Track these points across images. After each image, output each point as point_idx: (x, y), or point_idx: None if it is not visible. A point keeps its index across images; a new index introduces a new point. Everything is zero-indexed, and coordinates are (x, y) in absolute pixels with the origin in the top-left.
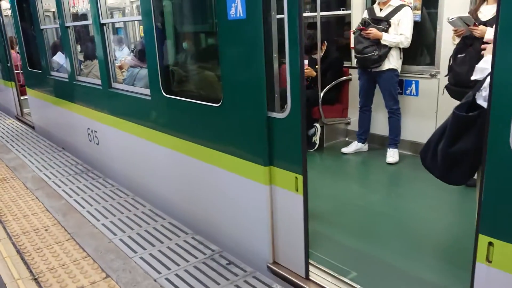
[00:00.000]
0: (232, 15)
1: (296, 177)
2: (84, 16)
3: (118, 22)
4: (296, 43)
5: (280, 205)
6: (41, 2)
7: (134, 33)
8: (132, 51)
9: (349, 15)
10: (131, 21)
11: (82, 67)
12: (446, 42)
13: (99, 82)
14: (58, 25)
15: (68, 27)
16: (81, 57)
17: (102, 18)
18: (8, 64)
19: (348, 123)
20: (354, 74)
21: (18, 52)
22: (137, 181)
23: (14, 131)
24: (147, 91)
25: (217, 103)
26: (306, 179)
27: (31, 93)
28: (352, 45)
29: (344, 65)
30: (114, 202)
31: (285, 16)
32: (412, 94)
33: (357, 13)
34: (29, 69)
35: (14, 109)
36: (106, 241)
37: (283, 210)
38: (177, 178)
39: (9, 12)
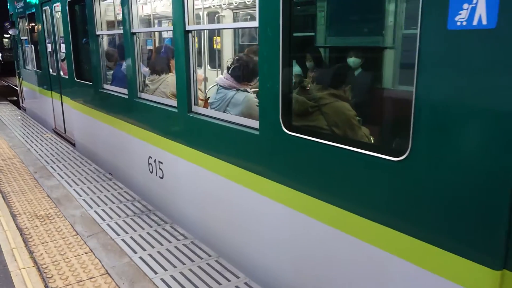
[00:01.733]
0: (460, 23)
1: None
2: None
3: (213, 29)
4: None
5: None
6: (99, 4)
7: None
8: (228, 68)
9: None
10: (236, 28)
11: (147, 82)
12: None
13: (172, 103)
14: (120, 31)
15: (134, 33)
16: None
17: (188, 24)
18: (54, 73)
19: None
20: None
21: (62, 60)
22: (224, 238)
23: (54, 148)
24: (253, 123)
25: (396, 156)
26: None
27: (74, 106)
28: None
29: None
30: (193, 266)
31: None
32: None
33: None
34: (76, 79)
35: (52, 121)
36: None
37: None
38: (299, 249)
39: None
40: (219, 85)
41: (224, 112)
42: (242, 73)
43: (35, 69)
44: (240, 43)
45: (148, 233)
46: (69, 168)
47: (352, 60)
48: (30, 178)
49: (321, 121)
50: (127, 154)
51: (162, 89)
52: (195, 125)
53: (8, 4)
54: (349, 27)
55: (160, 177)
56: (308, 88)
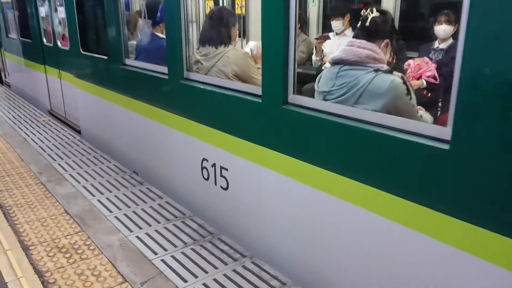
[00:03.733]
0: None
1: None
2: None
3: None
4: None
5: None
6: None
7: (198, 10)
8: (363, 26)
9: None
10: None
11: (198, 57)
12: None
13: (252, 89)
14: None
15: None
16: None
17: None
18: (49, 44)
19: None
20: None
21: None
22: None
23: (56, 137)
24: (434, 130)
25: None
26: None
27: (80, 85)
28: None
29: None
30: None
31: None
32: None
33: None
34: (82, 51)
35: (47, 101)
36: None
37: None
38: None
39: None
40: (343, 60)
41: (352, 106)
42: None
43: (22, 38)
44: None
45: (225, 275)
46: (83, 166)
47: None
48: (36, 182)
49: None
50: (164, 151)
51: (220, 67)
52: (296, 123)
53: None
54: None
55: (222, 187)
56: None
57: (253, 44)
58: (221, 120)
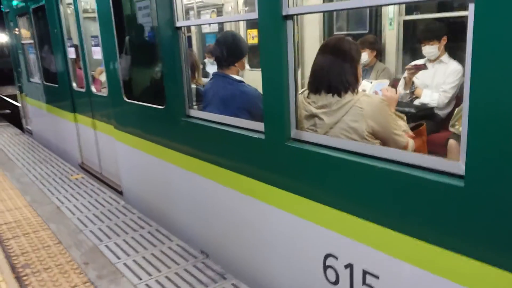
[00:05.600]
0: None
1: None
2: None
3: None
4: None
5: None
6: None
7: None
8: None
9: None
10: None
11: (314, 110)
12: None
13: (431, 163)
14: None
15: (290, 16)
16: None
17: None
18: (81, 89)
19: None
20: None
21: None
22: None
23: (95, 203)
24: None
25: None
26: None
27: (123, 139)
28: None
29: None
30: None
31: None
32: None
33: None
34: (125, 99)
35: (77, 153)
36: None
37: None
38: None
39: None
40: None
41: None
42: None
43: (47, 83)
44: (336, 32)
45: None
46: (138, 249)
47: None
48: (84, 281)
49: None
50: (254, 234)
51: (350, 124)
52: None
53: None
54: None
55: None
56: None
57: (378, 85)
58: (366, 204)
